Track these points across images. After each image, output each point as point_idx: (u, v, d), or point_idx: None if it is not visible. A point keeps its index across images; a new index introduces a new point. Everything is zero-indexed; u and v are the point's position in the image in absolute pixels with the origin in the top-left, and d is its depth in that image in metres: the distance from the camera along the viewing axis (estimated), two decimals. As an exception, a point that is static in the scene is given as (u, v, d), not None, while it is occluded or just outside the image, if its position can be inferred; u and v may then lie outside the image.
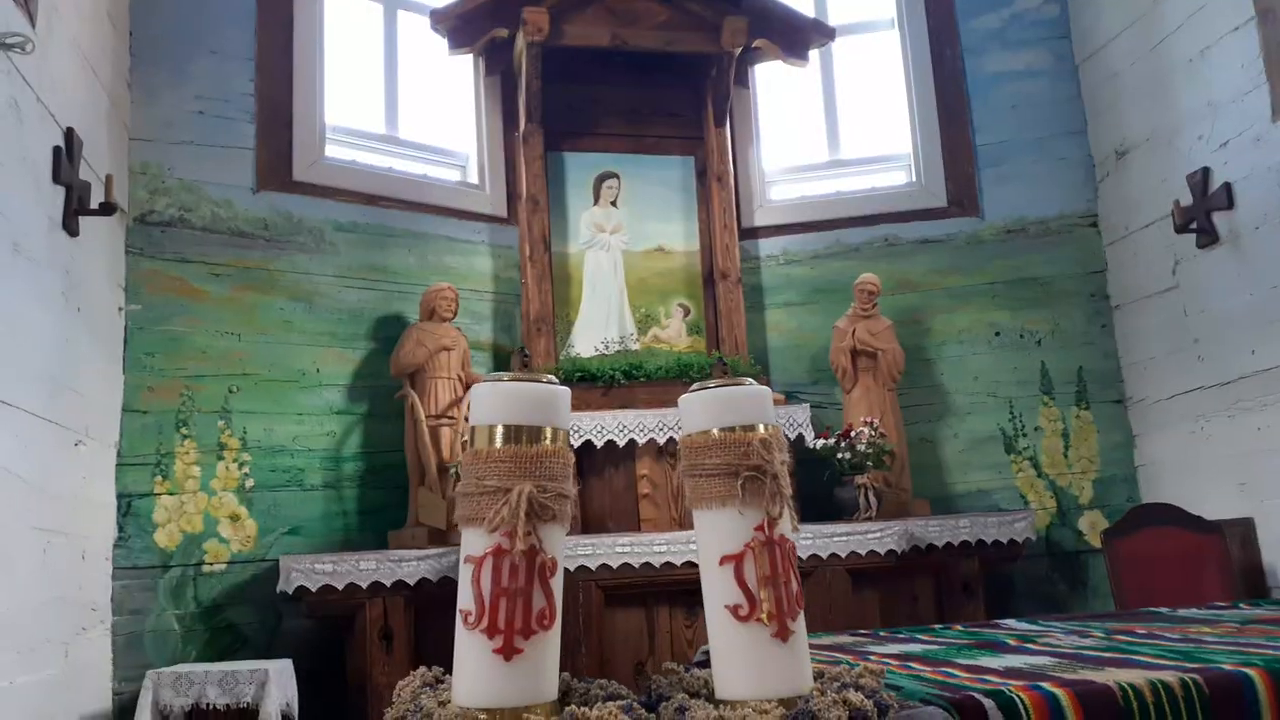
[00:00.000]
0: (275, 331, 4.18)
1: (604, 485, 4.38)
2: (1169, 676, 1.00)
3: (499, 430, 0.75)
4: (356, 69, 4.82)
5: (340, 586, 3.70)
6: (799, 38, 4.96)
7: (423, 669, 0.81)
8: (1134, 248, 4.79)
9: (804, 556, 3.99)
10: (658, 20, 4.77)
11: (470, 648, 0.72)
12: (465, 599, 0.74)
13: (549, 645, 0.74)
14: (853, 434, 4.34)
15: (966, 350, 4.96)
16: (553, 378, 0.79)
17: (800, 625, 0.78)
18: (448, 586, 3.83)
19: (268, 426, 4.09)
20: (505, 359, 4.80)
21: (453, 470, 4.12)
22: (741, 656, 0.77)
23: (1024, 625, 1.67)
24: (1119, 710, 0.95)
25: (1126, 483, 4.77)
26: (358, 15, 4.87)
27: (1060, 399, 4.86)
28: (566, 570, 3.15)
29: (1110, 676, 1.01)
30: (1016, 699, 0.93)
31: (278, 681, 3.33)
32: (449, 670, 0.77)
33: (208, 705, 3.24)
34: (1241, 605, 1.91)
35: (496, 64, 4.97)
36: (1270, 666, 1.03)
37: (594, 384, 4.44)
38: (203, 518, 3.90)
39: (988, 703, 0.91)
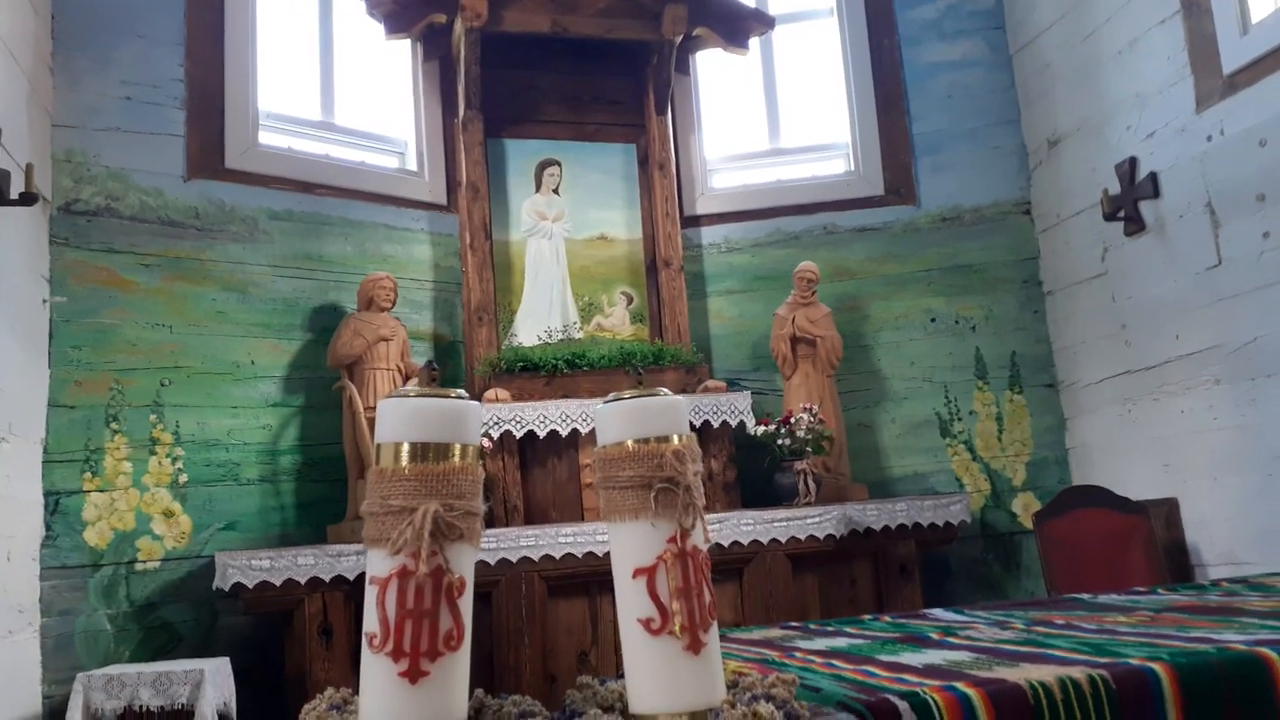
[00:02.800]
0: (208, 323, 4.09)
1: (547, 475, 4.37)
2: (1078, 673, 1.02)
3: (405, 448, 0.75)
4: (290, 54, 4.72)
5: (278, 583, 3.64)
6: (739, 26, 4.97)
7: (330, 690, 0.80)
8: (1065, 235, 4.90)
9: (745, 542, 4.03)
10: (598, 7, 4.74)
11: (376, 671, 0.72)
12: (370, 621, 0.73)
13: (457, 666, 0.73)
14: (792, 420, 4.39)
15: (903, 336, 5.03)
16: (462, 392, 0.78)
17: (713, 637, 0.79)
18: (388, 580, 3.80)
19: (201, 420, 4.01)
20: (446, 348, 4.76)
21: (392, 462, 4.09)
22: (654, 670, 0.77)
23: (950, 615, 1.70)
24: (1029, 709, 0.98)
25: (1058, 465, 4.90)
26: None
27: (994, 383, 4.96)
28: (509, 562, 3.11)
29: (1023, 674, 1.03)
30: (930, 700, 0.95)
31: (213, 681, 3.27)
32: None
33: (141, 707, 3.18)
34: (1159, 591, 1.97)
35: (434, 49, 4.91)
36: (1175, 660, 1.06)
37: (537, 373, 4.43)
38: (135, 514, 3.81)
39: (902, 705, 0.93)
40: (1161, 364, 4.33)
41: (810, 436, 4.36)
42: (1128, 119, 4.46)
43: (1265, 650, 1.07)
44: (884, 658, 1.24)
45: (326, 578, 3.70)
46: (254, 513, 4.08)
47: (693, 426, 4.35)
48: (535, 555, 3.83)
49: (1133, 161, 4.39)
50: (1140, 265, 4.42)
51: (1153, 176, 4.29)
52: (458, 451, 0.75)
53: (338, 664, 3.71)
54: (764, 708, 0.74)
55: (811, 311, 4.70)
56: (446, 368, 4.70)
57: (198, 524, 3.93)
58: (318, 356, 4.30)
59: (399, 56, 4.96)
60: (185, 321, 4.04)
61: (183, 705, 3.21)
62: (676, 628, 0.76)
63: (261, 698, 3.75)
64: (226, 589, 3.59)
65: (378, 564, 0.72)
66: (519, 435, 4.25)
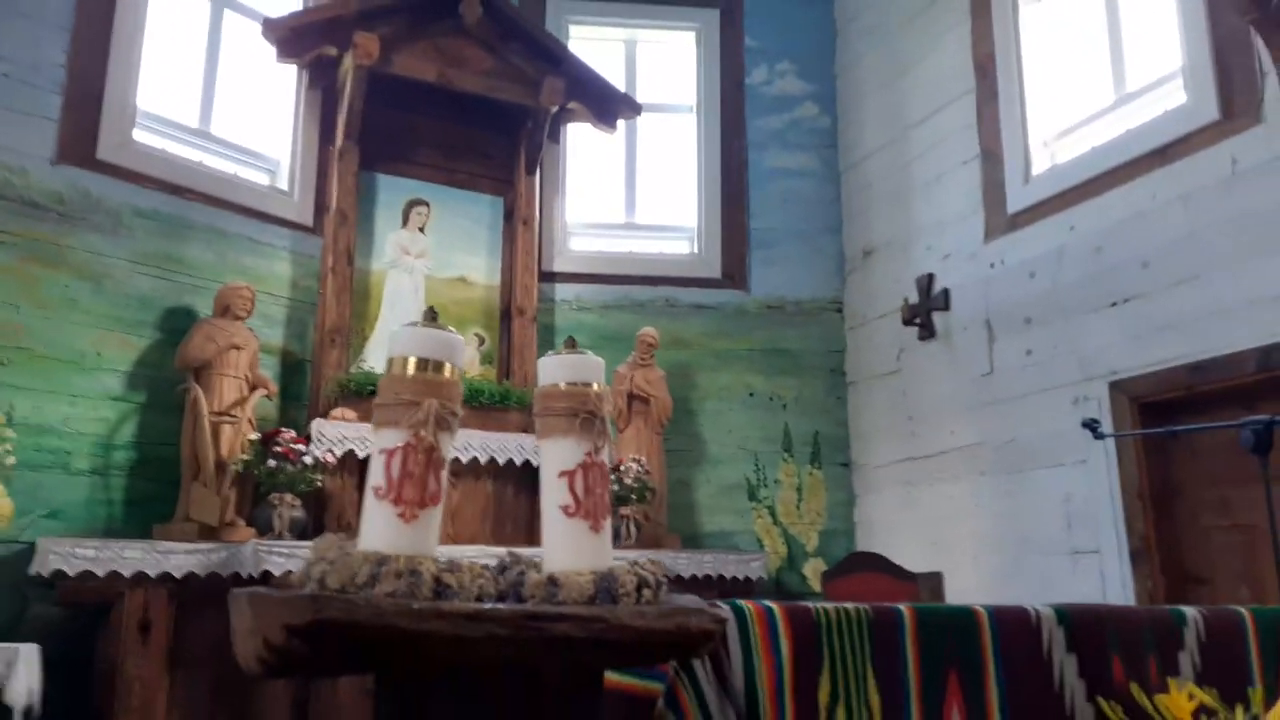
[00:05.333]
0: (57, 308, 4.07)
1: (381, 496, 4.52)
2: (849, 606, 1.42)
3: (412, 360, 1.05)
4: (176, 59, 4.81)
5: (101, 573, 3.64)
6: (610, 107, 5.46)
7: (329, 534, 1.06)
8: (869, 334, 5.58)
9: (565, 577, 4.31)
10: (483, 67, 5.11)
11: (379, 513, 1.00)
12: (377, 479, 1.02)
13: (435, 517, 1.03)
14: (622, 468, 4.76)
15: (724, 406, 5.55)
16: (453, 328, 1.09)
17: (608, 524, 1.12)
18: (216, 583, 3.84)
19: (37, 404, 3.96)
20: (294, 365, 4.86)
21: (233, 467, 4.15)
22: (567, 542, 1.08)
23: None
24: (812, 622, 1.35)
25: (846, 536, 5.48)
26: (183, 5, 4.87)
27: (798, 457, 5.53)
28: None
29: (809, 604, 1.42)
30: (745, 608, 1.32)
31: (27, 663, 3.22)
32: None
33: (-58, 682, 3.10)
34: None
35: (320, 78, 5.11)
36: (917, 608, 1.47)
37: (383, 398, 4.60)
38: (-49, 492, 3.70)
39: (725, 607, 1.28)
40: (938, 454, 5.00)
41: (636, 485, 4.73)
42: (930, 240, 5.20)
43: (977, 607, 1.50)
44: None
45: (153, 573, 3.72)
46: (80, 503, 4.03)
47: (530, 466, 4.64)
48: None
49: (930, 277, 5.11)
50: (928, 366, 5.11)
51: (945, 292, 5.01)
52: (448, 369, 1.06)
53: (153, 661, 3.71)
54: (644, 569, 1.07)
55: (649, 373, 5.13)
56: (293, 383, 4.81)
57: (20, 509, 3.83)
58: (165, 356, 4.33)
59: (283, 78, 5.12)
60: (34, 304, 4.01)
61: (-11, 684, 3.15)
62: (584, 513, 1.09)
63: (68, 690, 3.67)
64: (46, 575, 3.55)
65: (388, 439, 1.02)
66: (362, 455, 4.40)
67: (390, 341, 1.08)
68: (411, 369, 1.04)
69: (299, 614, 0.88)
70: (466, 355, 5.04)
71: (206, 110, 4.86)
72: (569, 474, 1.10)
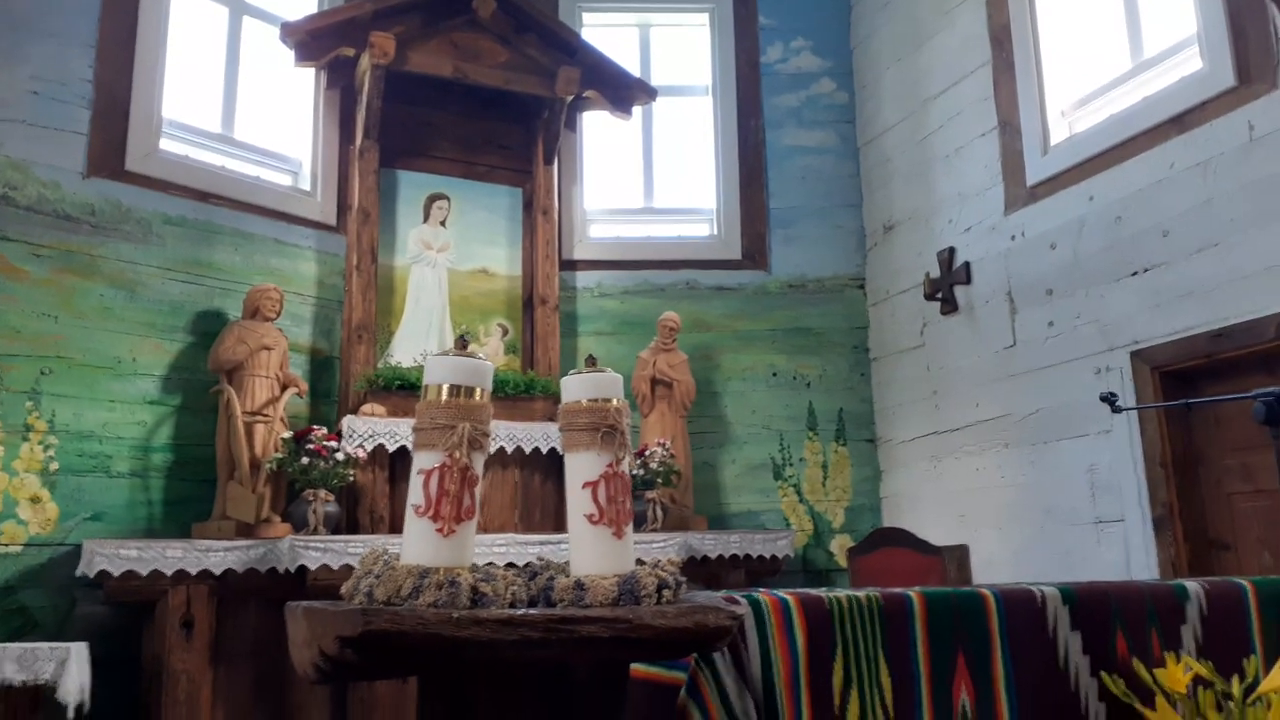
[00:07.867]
0: (94, 317, 4.19)
1: (414, 488, 4.62)
2: (861, 594, 1.48)
3: (445, 388, 1.12)
4: (197, 67, 4.89)
5: (144, 573, 3.75)
6: (625, 94, 5.49)
7: (374, 547, 1.14)
8: (892, 309, 5.61)
9: (596, 561, 4.40)
10: (498, 60, 5.15)
11: (419, 529, 1.08)
12: (416, 497, 1.09)
13: (470, 530, 1.11)
14: (647, 453, 4.83)
15: (748, 387, 5.60)
16: (484, 356, 1.16)
17: (629, 530, 1.19)
18: (255, 578, 3.96)
19: (78, 411, 4.09)
20: (323, 362, 4.97)
21: (267, 465, 4.26)
22: (592, 548, 1.16)
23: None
24: (825, 611, 1.42)
25: (872, 511, 5.54)
26: (203, 15, 4.95)
27: (823, 435, 5.58)
28: (351, 568, 3.36)
29: (825, 593, 1.48)
30: (761, 600, 1.38)
31: (78, 660, 3.36)
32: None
33: (2, 682, 3.23)
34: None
35: (338, 79, 5.18)
36: (925, 593, 1.53)
37: (412, 392, 4.70)
38: (1, 498, 3.85)
39: (741, 602, 1.35)
40: (963, 427, 5.03)
41: (661, 469, 4.81)
42: (950, 214, 5.20)
43: (983, 589, 1.56)
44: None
45: (193, 571, 3.83)
46: (121, 505, 4.16)
47: (555, 453, 4.72)
48: (401, 560, 4.07)
49: (951, 251, 5.12)
50: (951, 341, 5.14)
51: (966, 266, 5.02)
52: (479, 393, 1.13)
53: (196, 655, 3.83)
54: (664, 571, 1.14)
55: (671, 357, 5.19)
56: (322, 380, 4.92)
57: (64, 512, 3.99)
58: (198, 359, 4.44)
59: (302, 80, 5.20)
60: (71, 314, 4.13)
61: (45, 681, 3.28)
62: (607, 521, 1.16)
63: (115, 686, 3.81)
64: (91, 576, 3.68)
65: (426, 460, 1.09)
66: (391, 449, 4.50)
67: (426, 369, 1.15)
68: (445, 395, 1.12)
69: (351, 626, 0.96)
70: (491, 345, 5.13)
71: (228, 115, 4.95)
72: (592, 484, 1.16)
